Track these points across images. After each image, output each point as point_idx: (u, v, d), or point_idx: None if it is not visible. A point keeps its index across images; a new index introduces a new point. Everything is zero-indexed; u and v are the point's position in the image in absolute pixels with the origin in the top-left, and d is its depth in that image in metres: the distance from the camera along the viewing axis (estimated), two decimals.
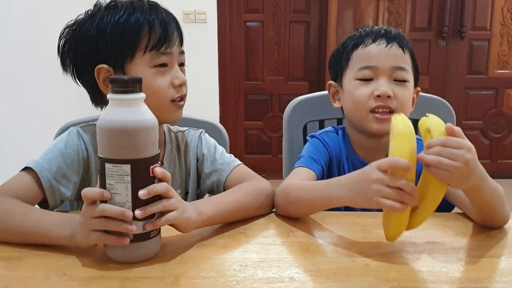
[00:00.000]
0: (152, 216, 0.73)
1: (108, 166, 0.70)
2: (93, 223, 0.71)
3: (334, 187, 0.85)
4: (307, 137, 1.16)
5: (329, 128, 1.19)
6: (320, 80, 3.83)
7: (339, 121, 1.37)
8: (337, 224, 0.91)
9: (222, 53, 3.76)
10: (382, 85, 1.03)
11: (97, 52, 0.95)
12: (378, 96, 1.02)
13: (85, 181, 0.99)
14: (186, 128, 1.13)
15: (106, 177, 0.70)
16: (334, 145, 1.13)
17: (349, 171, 1.10)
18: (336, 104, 1.16)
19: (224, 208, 0.88)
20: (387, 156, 0.77)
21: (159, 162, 0.75)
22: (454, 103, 1.32)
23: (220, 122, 3.91)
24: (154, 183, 0.72)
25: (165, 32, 0.95)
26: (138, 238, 0.72)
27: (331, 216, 0.95)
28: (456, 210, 1.01)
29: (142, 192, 0.70)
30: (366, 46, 1.06)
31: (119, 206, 0.70)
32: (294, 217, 0.94)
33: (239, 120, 3.99)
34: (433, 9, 3.65)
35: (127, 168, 0.69)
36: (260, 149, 4.05)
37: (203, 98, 3.60)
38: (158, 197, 0.73)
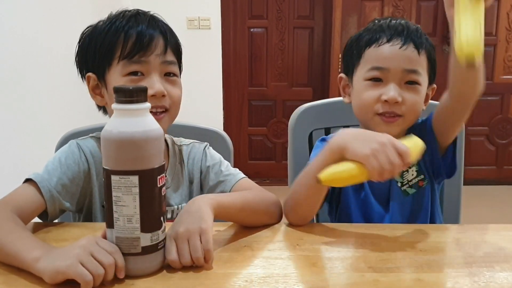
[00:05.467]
0: (159, 227, 0.71)
1: (114, 178, 0.68)
2: (88, 260, 0.66)
3: (333, 140, 0.87)
4: (317, 141, 1.13)
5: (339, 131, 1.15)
6: (324, 86, 3.81)
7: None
8: (344, 236, 0.89)
9: (226, 59, 3.75)
10: (391, 90, 0.98)
11: (86, 60, 0.98)
12: (386, 101, 0.99)
13: (86, 194, 0.97)
14: (191, 141, 1.10)
15: (113, 189, 0.68)
16: None
17: None
18: (346, 99, 1.11)
19: (233, 201, 0.88)
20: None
21: (164, 174, 0.73)
22: None
23: (224, 128, 3.93)
24: (161, 194, 0.71)
25: (140, 40, 0.92)
26: (146, 250, 0.70)
27: (339, 229, 0.93)
28: (466, 221, 0.99)
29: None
30: (379, 46, 1.01)
31: (127, 219, 0.68)
32: (306, 214, 0.93)
33: (243, 126, 3.97)
34: (438, 14, 3.64)
35: (135, 179, 0.67)
36: (264, 155, 4.03)
37: (207, 104, 3.59)
38: (161, 212, 0.72)
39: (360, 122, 1.10)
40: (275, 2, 3.75)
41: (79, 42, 1.00)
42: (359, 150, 0.81)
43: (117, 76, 0.94)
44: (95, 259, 0.66)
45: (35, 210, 0.88)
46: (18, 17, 1.94)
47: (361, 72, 1.04)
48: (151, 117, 0.71)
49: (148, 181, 0.69)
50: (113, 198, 0.69)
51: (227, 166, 1.07)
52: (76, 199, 0.96)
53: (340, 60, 3.66)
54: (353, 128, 0.88)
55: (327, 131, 1.34)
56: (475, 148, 3.78)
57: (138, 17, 0.95)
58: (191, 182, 1.07)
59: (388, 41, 1.00)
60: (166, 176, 0.74)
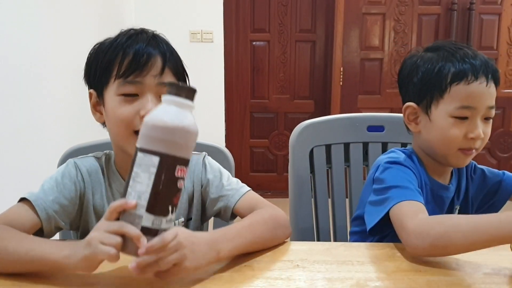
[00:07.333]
0: (164, 214, 0.72)
1: (139, 155, 0.71)
2: (105, 236, 0.70)
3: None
4: (386, 164, 1.05)
5: (398, 153, 1.10)
6: (325, 98, 3.83)
7: (346, 145, 1.35)
8: (345, 256, 0.89)
9: (229, 72, 3.77)
10: (477, 127, 1.00)
11: (89, 77, 0.98)
12: (472, 138, 1.01)
13: (82, 212, 0.98)
14: None
15: (135, 165, 0.71)
16: (416, 172, 1.06)
17: (426, 197, 1.06)
18: (414, 128, 1.09)
19: (242, 242, 0.85)
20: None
21: (186, 168, 0.73)
22: None
23: (226, 140, 3.92)
24: (176, 184, 0.71)
25: (136, 59, 0.90)
26: (144, 231, 0.70)
27: (339, 248, 0.93)
28: None
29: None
30: (468, 84, 1.00)
31: (137, 195, 0.70)
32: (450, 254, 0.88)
33: (244, 138, 3.98)
34: (439, 28, 3.66)
35: (155, 160, 0.70)
36: (266, 167, 4.03)
37: (209, 116, 3.61)
38: (170, 202, 0.72)
39: (433, 154, 1.08)
40: (277, 16, 3.78)
41: (86, 59, 1.00)
42: None
43: (112, 95, 0.93)
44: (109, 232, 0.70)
45: (29, 229, 0.88)
46: (22, 31, 1.96)
47: (447, 107, 1.02)
48: (191, 115, 0.73)
49: (167, 166, 0.70)
50: (132, 173, 0.71)
51: (228, 179, 1.05)
52: (72, 217, 0.96)
53: (341, 73, 3.68)
54: None
55: (328, 148, 1.35)
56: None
57: (139, 35, 0.94)
58: (191, 195, 1.06)
59: (476, 79, 1.00)
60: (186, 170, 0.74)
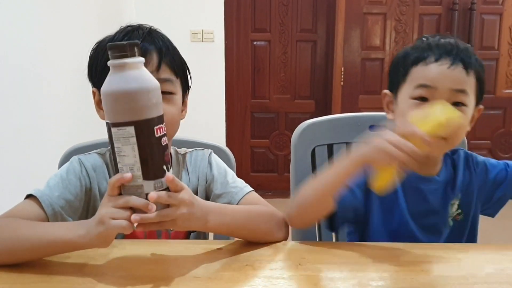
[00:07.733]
0: (162, 175, 0.73)
1: (114, 130, 0.71)
2: (114, 211, 0.72)
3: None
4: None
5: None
6: (326, 98, 3.82)
7: (348, 145, 1.35)
8: (347, 256, 0.89)
9: (229, 72, 3.77)
10: None
11: (91, 74, 0.99)
12: None
13: (89, 208, 0.98)
14: (194, 148, 1.11)
15: (114, 141, 0.71)
16: None
17: (403, 191, 1.06)
18: (390, 116, 1.09)
19: (231, 222, 0.89)
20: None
21: (164, 124, 0.74)
22: None
23: (226, 140, 3.92)
24: (161, 143, 0.72)
25: None
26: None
27: (341, 247, 0.93)
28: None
29: (153, 194, 0.71)
30: (427, 65, 0.98)
31: (129, 168, 0.71)
32: (312, 218, 0.95)
33: (245, 138, 3.98)
34: (441, 28, 3.65)
35: (131, 130, 0.70)
36: (266, 167, 4.03)
37: (209, 116, 3.61)
38: (163, 161, 0.74)
39: None
40: (278, 16, 3.77)
41: (89, 58, 1.00)
42: (375, 155, 0.84)
43: None
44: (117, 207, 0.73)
45: None
46: (22, 31, 1.96)
47: (407, 90, 1.01)
48: (145, 71, 0.73)
49: (145, 131, 0.71)
50: (115, 150, 0.72)
51: (233, 177, 1.07)
52: (79, 213, 0.96)
53: (342, 72, 3.69)
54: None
55: (330, 147, 1.35)
56: None
57: (135, 32, 0.95)
58: (195, 189, 1.06)
59: (436, 60, 0.98)
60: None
